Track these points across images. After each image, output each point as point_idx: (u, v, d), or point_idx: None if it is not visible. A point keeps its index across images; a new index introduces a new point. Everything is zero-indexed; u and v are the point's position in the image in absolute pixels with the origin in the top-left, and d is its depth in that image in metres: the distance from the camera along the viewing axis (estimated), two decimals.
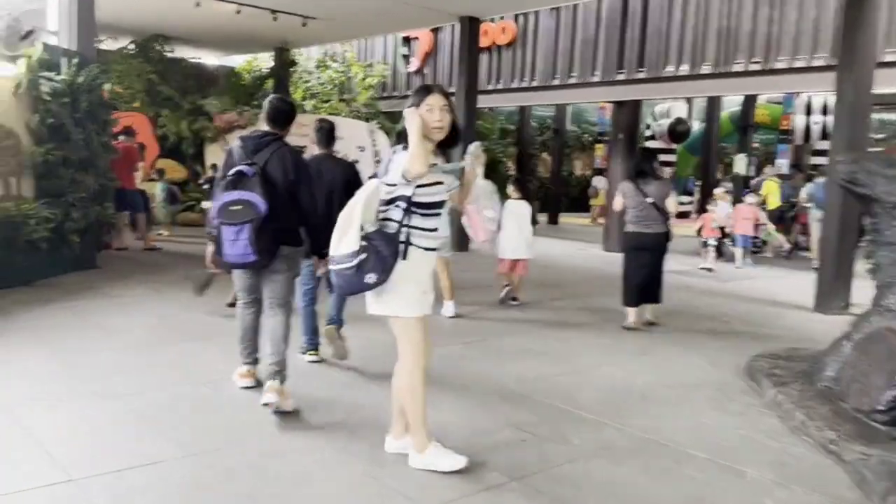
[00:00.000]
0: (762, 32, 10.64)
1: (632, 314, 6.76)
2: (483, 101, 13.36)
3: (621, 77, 12.56)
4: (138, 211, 10.53)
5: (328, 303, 5.11)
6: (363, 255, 3.11)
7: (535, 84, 14.09)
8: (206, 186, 12.08)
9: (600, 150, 23.75)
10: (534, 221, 7.83)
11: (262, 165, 3.95)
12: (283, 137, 4.19)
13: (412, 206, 3.22)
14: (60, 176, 7.81)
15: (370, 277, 3.14)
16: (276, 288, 4.13)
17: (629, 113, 13.23)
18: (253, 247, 3.79)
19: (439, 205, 3.32)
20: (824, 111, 21.90)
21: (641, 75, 12.25)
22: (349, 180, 4.86)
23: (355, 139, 14.87)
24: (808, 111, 20.93)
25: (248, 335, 4.42)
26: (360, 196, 3.21)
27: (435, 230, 3.32)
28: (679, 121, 23.94)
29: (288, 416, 4.04)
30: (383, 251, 3.15)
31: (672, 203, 6.48)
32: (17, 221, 7.07)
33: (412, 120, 3.15)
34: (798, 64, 10.29)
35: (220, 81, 16.15)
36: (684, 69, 11.62)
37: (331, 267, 3.23)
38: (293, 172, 4.02)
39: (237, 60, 18.28)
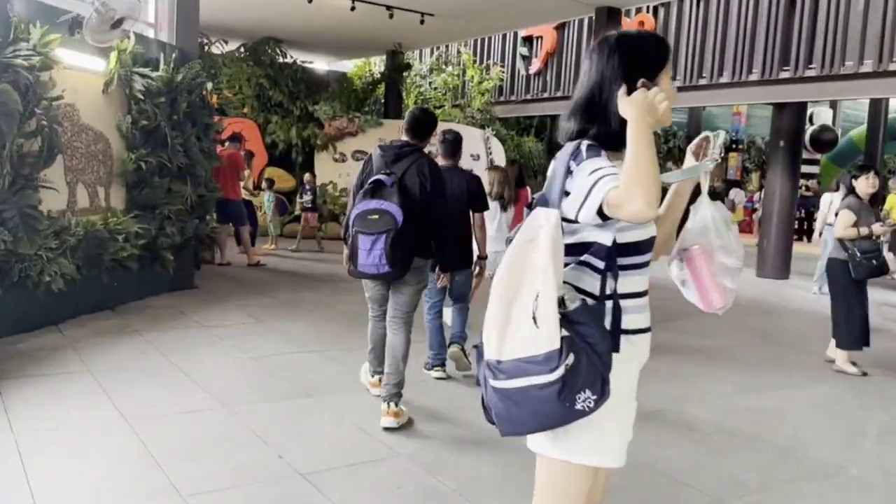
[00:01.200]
0: None
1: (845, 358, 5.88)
2: None
3: (786, 75, 10.70)
4: (242, 223, 9.69)
5: (450, 317, 5.08)
6: (570, 359, 1.66)
7: (677, 84, 12.38)
8: (303, 199, 11.27)
9: (734, 159, 21.63)
10: None
11: (400, 176, 3.91)
12: (423, 148, 4.16)
13: (615, 256, 1.81)
14: (154, 185, 6.95)
15: (586, 401, 1.67)
16: (403, 300, 4.08)
17: (792, 117, 11.32)
18: (388, 258, 3.75)
19: (650, 245, 1.92)
20: None
21: (811, 73, 10.35)
22: (474, 193, 4.92)
23: (469, 147, 13.67)
24: None
25: (379, 346, 4.30)
26: (538, 245, 1.72)
27: (645, 294, 1.92)
28: (824, 128, 21.44)
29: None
30: (598, 345, 1.70)
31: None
32: (103, 238, 6.20)
33: (649, 102, 1.73)
34: None
35: (331, 86, 15.37)
36: (867, 65, 9.66)
37: (499, 384, 1.74)
38: (430, 184, 3.97)
39: (348, 65, 17.53)
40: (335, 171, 14.42)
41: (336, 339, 5.96)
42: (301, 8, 11.05)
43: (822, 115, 22.20)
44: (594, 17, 10.93)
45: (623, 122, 1.75)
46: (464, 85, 16.37)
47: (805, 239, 18.62)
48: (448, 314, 5.17)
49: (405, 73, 15.76)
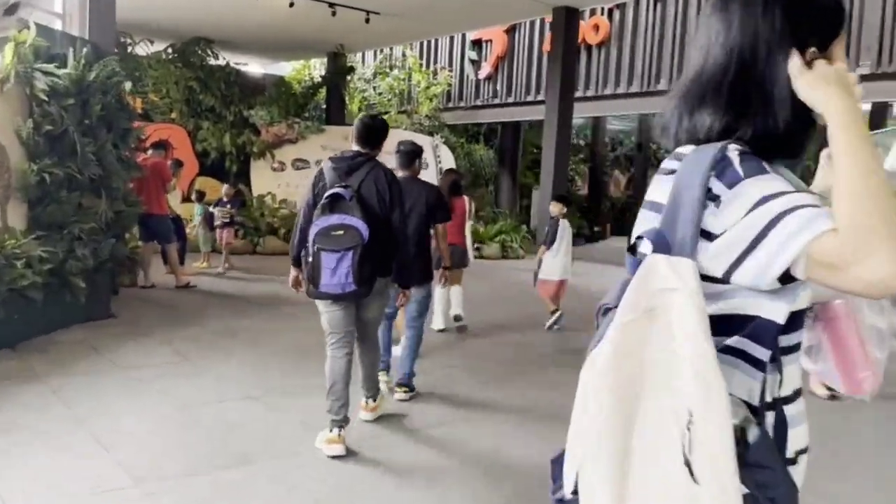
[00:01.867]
0: None
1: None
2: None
3: None
4: (168, 241, 8.68)
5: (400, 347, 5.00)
6: None
7: (633, 90, 11.96)
8: (218, 209, 10.08)
9: None
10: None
11: (356, 188, 3.73)
12: (376, 157, 3.95)
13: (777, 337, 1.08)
14: (62, 201, 5.95)
15: None
16: (370, 319, 4.00)
17: None
18: (356, 276, 3.59)
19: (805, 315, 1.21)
20: None
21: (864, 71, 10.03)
22: (434, 205, 4.79)
23: None
24: None
25: (340, 383, 3.83)
26: (670, 322, 0.99)
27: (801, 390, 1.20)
28: None
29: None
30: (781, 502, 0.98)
31: None
32: None
33: (846, 81, 1.05)
34: None
35: (268, 90, 14.42)
36: (864, 68, 9.37)
37: None
38: (388, 196, 3.82)
39: (286, 68, 16.59)
40: (273, 181, 13.47)
41: (281, 379, 5.10)
42: (234, 6, 10.16)
43: None
44: (551, 19, 10.38)
45: (797, 113, 1.04)
46: (410, 90, 15.64)
47: None
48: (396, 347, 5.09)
49: (348, 77, 14.94)
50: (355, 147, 3.92)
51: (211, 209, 10.22)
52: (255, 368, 5.35)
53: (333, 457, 3.69)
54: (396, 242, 3.88)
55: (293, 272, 3.96)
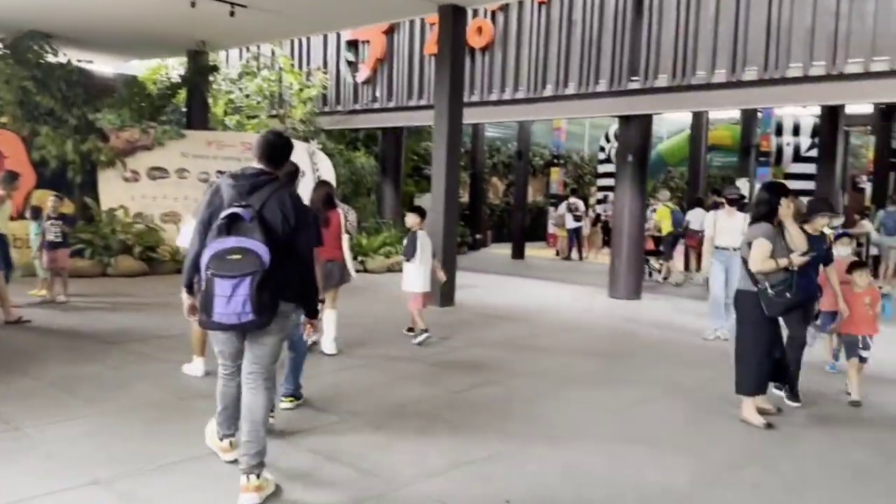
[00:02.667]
0: (827, 30, 8.45)
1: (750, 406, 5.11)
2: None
3: (635, 86, 10.17)
4: None
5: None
6: None
7: (518, 96, 11.54)
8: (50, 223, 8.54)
9: (556, 174, 21.62)
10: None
11: (258, 209, 3.39)
12: (279, 177, 3.64)
13: None
14: None
15: None
16: (264, 353, 3.57)
17: (640, 130, 10.84)
18: (254, 304, 3.27)
19: None
20: (796, 132, 20.56)
21: (662, 83, 9.88)
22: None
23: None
24: (779, 131, 19.47)
25: (231, 407, 3.79)
26: None
27: None
28: None
29: None
30: None
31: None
32: None
33: None
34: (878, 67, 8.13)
35: (118, 92, 12.84)
36: (720, 75, 9.32)
37: None
38: (294, 218, 3.50)
39: (140, 68, 14.96)
40: (126, 193, 11.96)
41: (135, 450, 4.05)
42: None
43: None
44: (435, 18, 9.73)
45: None
46: (282, 92, 14.53)
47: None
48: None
49: (211, 77, 13.59)
50: (257, 165, 3.59)
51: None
52: (102, 437, 4.25)
53: (233, 461, 3.64)
54: (303, 269, 3.59)
55: (187, 300, 3.64)
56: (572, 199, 17.44)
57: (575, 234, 17.20)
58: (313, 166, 13.46)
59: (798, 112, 22.24)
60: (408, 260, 7.29)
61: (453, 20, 9.25)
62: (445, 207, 9.53)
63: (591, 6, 10.57)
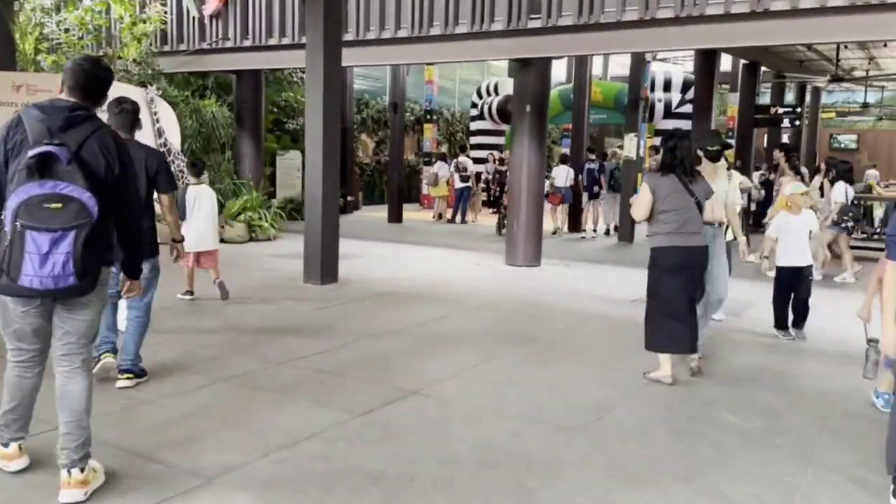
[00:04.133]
0: None
1: (667, 364, 4.82)
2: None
3: (535, 24, 8.93)
4: None
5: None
6: None
7: (401, 34, 9.98)
8: None
9: (429, 131, 20.28)
10: None
11: (74, 150, 2.88)
12: (96, 114, 3.09)
13: None
14: None
15: None
16: (82, 328, 3.05)
17: (539, 76, 9.67)
18: (77, 265, 2.81)
19: None
20: (667, 87, 20.41)
21: (567, 21, 8.71)
22: (157, 171, 4.37)
23: None
24: (651, 87, 19.20)
25: (24, 404, 3.15)
26: None
27: None
28: (508, 98, 21.21)
29: None
30: None
31: (720, 208, 5.26)
32: None
33: None
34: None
35: None
36: (632, 14, 8.27)
37: None
38: (118, 164, 3.02)
39: None
40: None
41: None
42: None
43: (506, 85, 22.03)
44: None
45: None
46: (111, 26, 12.04)
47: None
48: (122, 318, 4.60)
49: (16, 6, 10.90)
50: (66, 97, 3.02)
51: None
52: None
53: (18, 471, 3.13)
54: (131, 222, 3.17)
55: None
56: (461, 158, 16.17)
57: (461, 196, 15.97)
58: (153, 116, 11.23)
59: (668, 68, 22.25)
60: (182, 219, 6.41)
61: None
62: (324, 166, 7.92)
63: None
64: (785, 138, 23.29)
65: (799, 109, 20.11)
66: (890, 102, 31.07)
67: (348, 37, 10.16)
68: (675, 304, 4.68)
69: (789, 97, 23.67)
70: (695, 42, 7.90)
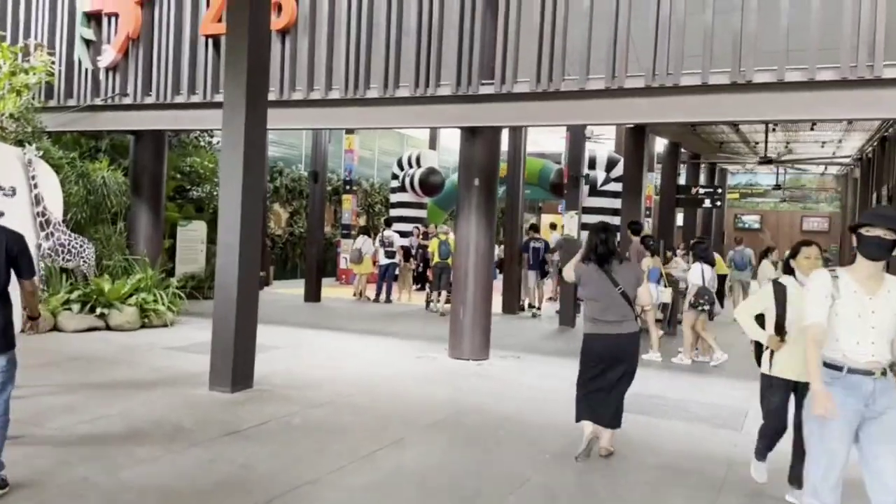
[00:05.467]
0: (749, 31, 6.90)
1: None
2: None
3: (488, 90, 7.97)
4: None
5: None
6: None
7: (333, 96, 8.79)
8: None
9: (348, 202, 19.06)
10: None
11: None
12: None
13: None
14: None
15: None
16: None
17: (487, 146, 8.66)
18: None
19: None
20: (591, 165, 20.09)
21: (523, 88, 7.78)
22: (17, 255, 3.99)
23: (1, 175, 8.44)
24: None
25: None
26: None
27: None
28: (431, 171, 20.37)
29: None
30: None
31: (646, 292, 5.05)
32: None
33: None
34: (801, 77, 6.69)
35: None
36: (597, 83, 7.43)
37: None
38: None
39: None
40: None
41: None
42: None
43: (428, 158, 21.20)
44: None
45: None
46: None
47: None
48: None
49: None
50: None
51: None
52: None
53: None
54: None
55: None
56: (386, 232, 14.89)
57: (385, 273, 14.64)
58: (30, 181, 9.48)
59: (591, 146, 22.08)
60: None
61: None
62: (241, 245, 6.46)
63: None
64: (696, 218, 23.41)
65: (720, 190, 20.21)
66: (791, 185, 32.49)
67: (271, 96, 8.87)
68: (597, 381, 4.89)
69: (701, 178, 23.98)
70: (672, 114, 7.11)
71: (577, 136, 12.51)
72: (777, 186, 24.50)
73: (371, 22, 8.57)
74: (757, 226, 35.09)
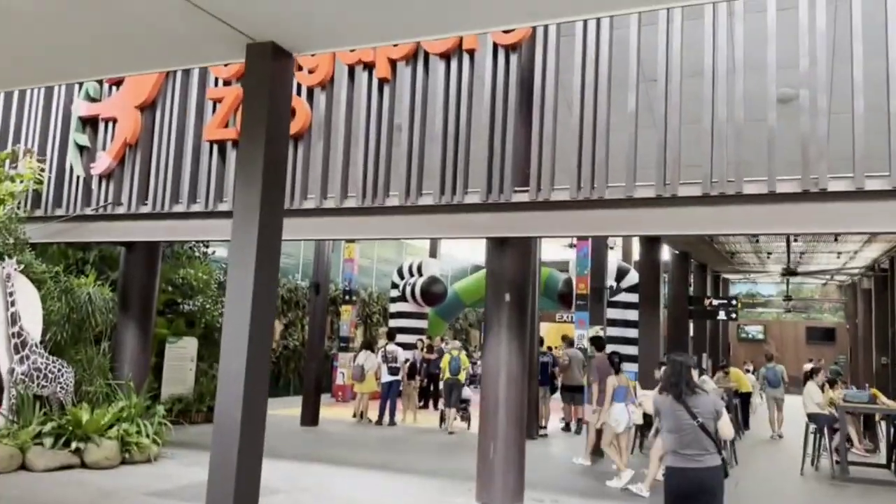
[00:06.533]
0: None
1: None
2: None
3: (522, 198, 7.24)
4: None
5: None
6: None
7: (348, 204, 8.04)
8: None
9: (347, 313, 18.10)
10: None
11: None
12: None
13: None
14: None
15: None
16: None
17: (519, 258, 7.85)
18: None
19: None
20: None
21: (563, 196, 7.06)
22: None
23: None
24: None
25: None
26: None
27: None
28: (433, 279, 19.61)
29: None
30: None
31: (727, 425, 4.79)
32: None
33: None
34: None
35: None
36: (646, 190, 6.72)
37: None
38: None
39: None
40: None
41: None
42: None
43: (430, 266, 20.47)
44: (245, 65, 6.02)
45: None
46: None
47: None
48: None
49: None
50: None
51: None
52: None
53: None
54: None
55: None
56: (389, 346, 13.84)
57: (388, 391, 13.50)
58: (7, 298, 8.53)
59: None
60: None
61: (274, 69, 5.63)
62: (248, 376, 5.41)
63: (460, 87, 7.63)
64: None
65: (735, 302, 19.47)
66: (794, 295, 31.93)
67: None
68: None
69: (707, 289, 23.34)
70: (735, 225, 6.35)
71: (599, 246, 11.80)
72: (787, 297, 23.78)
73: (391, 126, 7.93)
74: (761, 336, 34.24)
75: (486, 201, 7.33)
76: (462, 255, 27.23)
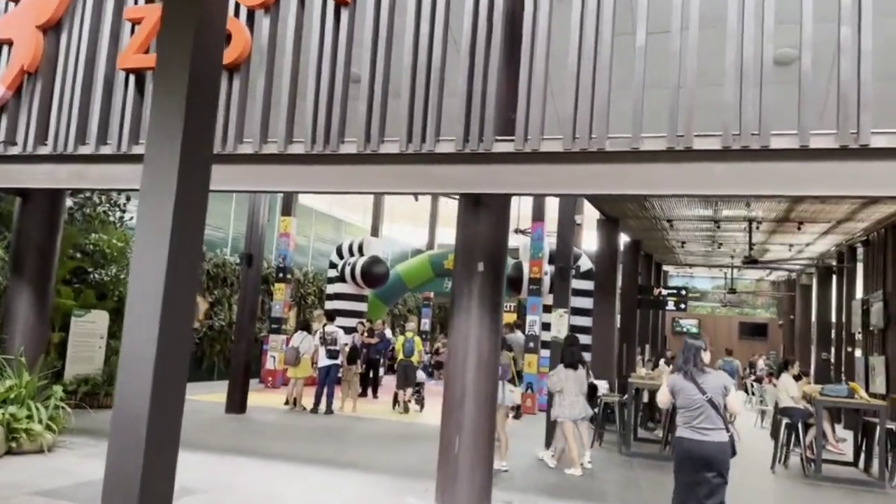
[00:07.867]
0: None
1: None
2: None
3: (506, 147, 6.11)
4: None
5: None
6: None
7: (294, 150, 6.74)
8: None
9: (281, 291, 16.66)
10: None
11: None
12: None
13: None
14: None
15: None
16: None
17: (495, 221, 6.72)
18: None
19: None
20: (551, 260, 18.58)
21: (555, 147, 5.96)
22: None
23: None
24: (551, 260, 17.21)
25: None
26: None
27: None
28: (375, 260, 18.38)
29: None
30: None
31: (735, 401, 5.18)
32: None
33: None
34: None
35: None
36: (656, 142, 5.70)
37: None
38: None
39: None
40: None
41: None
42: None
43: (372, 245, 19.20)
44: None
45: None
46: None
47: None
48: None
49: None
50: None
51: None
52: None
53: None
54: None
55: None
56: (329, 328, 12.51)
57: (326, 376, 12.21)
58: None
59: (552, 239, 20.66)
60: None
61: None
62: (161, 349, 4.13)
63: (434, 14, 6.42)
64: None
65: (684, 292, 18.93)
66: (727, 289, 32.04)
67: (220, 149, 6.72)
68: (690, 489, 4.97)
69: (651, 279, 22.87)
70: (761, 186, 5.39)
71: (566, 223, 10.82)
72: (732, 290, 23.55)
73: (349, 58, 6.67)
74: (695, 330, 34.35)
75: (463, 150, 6.16)
76: (404, 238, 26.05)
